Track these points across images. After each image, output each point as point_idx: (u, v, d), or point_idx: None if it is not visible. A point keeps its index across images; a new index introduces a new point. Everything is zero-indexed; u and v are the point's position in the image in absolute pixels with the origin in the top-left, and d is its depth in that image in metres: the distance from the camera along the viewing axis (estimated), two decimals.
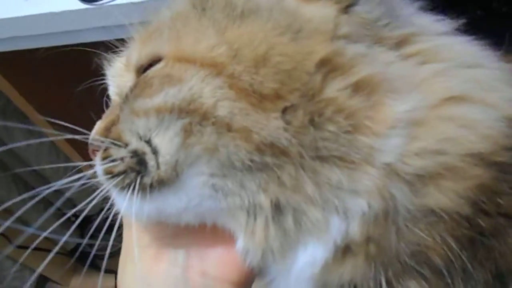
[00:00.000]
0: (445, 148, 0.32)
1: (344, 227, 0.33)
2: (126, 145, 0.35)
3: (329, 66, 0.33)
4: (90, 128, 0.42)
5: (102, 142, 0.37)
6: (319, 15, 0.35)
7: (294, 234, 0.34)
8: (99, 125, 0.40)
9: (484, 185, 0.32)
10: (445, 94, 0.34)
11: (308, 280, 0.36)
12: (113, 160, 0.36)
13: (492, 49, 0.38)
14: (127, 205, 0.35)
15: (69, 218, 1.47)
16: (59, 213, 1.41)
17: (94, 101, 0.47)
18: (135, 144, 0.35)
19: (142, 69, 0.37)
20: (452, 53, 0.36)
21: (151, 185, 0.34)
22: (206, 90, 0.32)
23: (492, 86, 0.35)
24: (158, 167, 0.33)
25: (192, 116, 0.32)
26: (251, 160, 0.32)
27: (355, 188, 0.32)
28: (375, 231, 0.33)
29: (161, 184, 0.34)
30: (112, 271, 1.44)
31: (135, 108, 0.34)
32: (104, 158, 0.37)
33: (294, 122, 0.32)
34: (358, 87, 0.32)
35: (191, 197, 0.34)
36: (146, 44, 0.38)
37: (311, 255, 0.35)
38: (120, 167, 0.35)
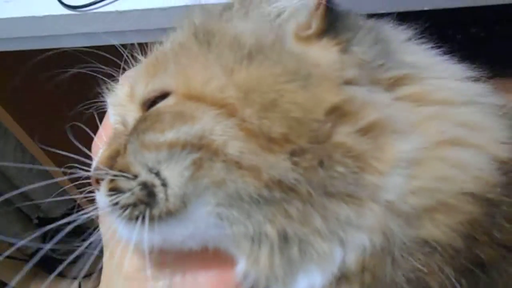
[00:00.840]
0: (439, 187, 0.34)
1: (344, 257, 0.35)
2: (135, 176, 0.36)
3: (338, 113, 0.34)
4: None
5: (108, 172, 0.37)
6: (325, 59, 0.36)
7: (298, 262, 0.35)
8: (103, 154, 0.40)
9: (476, 219, 0.34)
10: (439, 138, 0.36)
11: None
12: (120, 192, 0.36)
13: (480, 73, 0.41)
14: (132, 236, 0.35)
15: (30, 220, 1.42)
16: (21, 215, 1.37)
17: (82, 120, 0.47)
18: (145, 176, 0.35)
19: (149, 103, 0.38)
20: (444, 93, 0.38)
21: (159, 216, 0.35)
22: (217, 129, 0.33)
23: (483, 127, 0.37)
24: (167, 199, 0.34)
25: (203, 151, 0.33)
26: (260, 195, 0.33)
27: (360, 223, 0.34)
28: (371, 262, 0.35)
29: (169, 215, 0.35)
30: (74, 277, 1.39)
31: (146, 142, 0.35)
32: (111, 189, 0.37)
33: (303, 163, 0.33)
34: (366, 131, 0.34)
35: (197, 226, 0.35)
36: (151, 78, 0.38)
37: (310, 282, 0.36)
38: (130, 199, 0.35)
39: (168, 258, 0.38)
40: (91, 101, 0.46)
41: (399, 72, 0.38)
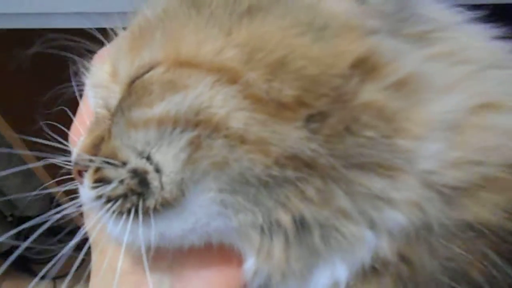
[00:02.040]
0: (484, 158, 0.30)
1: (375, 244, 0.30)
2: (124, 163, 0.31)
3: (365, 66, 0.30)
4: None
5: (92, 161, 0.33)
6: (342, 9, 0.31)
7: (319, 252, 0.31)
8: (84, 142, 0.35)
9: None
10: (481, 100, 0.31)
11: None
12: (108, 183, 0.32)
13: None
14: (124, 233, 0.31)
15: (4, 217, 1.40)
16: None
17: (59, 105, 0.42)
18: (135, 162, 0.31)
19: (133, 81, 0.34)
20: (478, 53, 0.33)
21: (154, 208, 0.31)
22: (217, 99, 0.29)
23: None
24: (162, 187, 0.30)
25: (200, 128, 0.29)
26: (269, 175, 0.29)
27: (395, 198, 0.29)
28: (407, 249, 0.30)
29: (165, 205, 0.30)
30: (46, 277, 1.36)
31: (132, 119, 0.31)
32: (96, 181, 0.32)
33: (323, 130, 0.29)
34: (397, 87, 0.30)
35: (198, 217, 0.31)
36: (137, 53, 0.34)
37: (333, 276, 0.32)
38: (119, 189, 0.31)
39: (166, 258, 0.34)
40: (66, 84, 0.42)
41: (425, 27, 0.33)
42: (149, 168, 0.30)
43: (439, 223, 0.30)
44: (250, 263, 0.33)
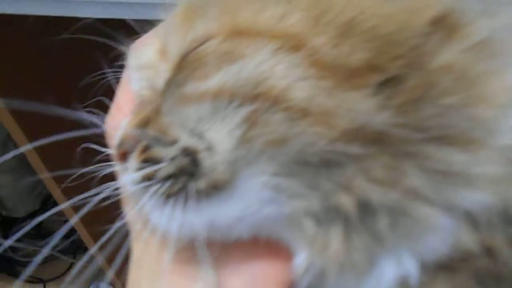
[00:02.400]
0: None
1: (453, 231, 0.28)
2: (174, 142, 0.29)
3: (444, 25, 0.27)
4: None
5: (139, 140, 0.31)
6: None
7: (387, 240, 0.28)
8: (129, 123, 0.33)
9: None
10: None
11: None
12: (157, 163, 0.30)
13: None
14: (170, 219, 0.29)
15: None
16: None
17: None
18: (186, 140, 0.29)
19: (184, 58, 0.32)
20: None
21: (205, 192, 0.29)
22: (278, 69, 0.27)
23: None
24: (214, 167, 0.28)
25: (258, 102, 0.27)
26: (332, 151, 0.27)
27: (476, 174, 0.27)
28: (489, 237, 0.28)
29: (216, 188, 0.29)
30: (33, 280, 1.34)
31: (185, 93, 0.30)
32: (144, 161, 0.30)
33: (397, 98, 0.27)
34: (480, 49, 0.27)
35: (248, 203, 0.29)
36: (190, 27, 0.32)
37: (399, 270, 0.29)
38: (169, 168, 0.29)
39: (212, 249, 0.32)
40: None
41: None
42: (201, 146, 0.28)
43: None
44: (301, 258, 0.30)
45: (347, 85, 0.26)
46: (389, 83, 0.26)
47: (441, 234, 0.28)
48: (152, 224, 0.30)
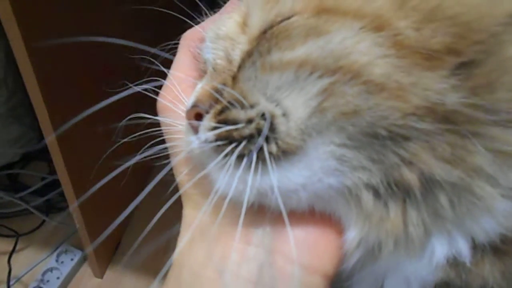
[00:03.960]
0: None
1: (510, 215, 0.29)
2: (252, 106, 0.31)
3: None
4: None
5: (218, 101, 0.32)
6: None
7: (447, 218, 0.30)
8: (204, 88, 0.35)
9: None
10: None
11: (431, 284, 0.32)
12: (234, 124, 0.31)
13: None
14: (239, 180, 0.31)
15: None
16: None
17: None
18: (265, 104, 0.30)
19: (264, 33, 0.34)
20: None
21: (274, 155, 0.30)
22: (361, 46, 0.28)
23: None
24: (288, 133, 0.30)
25: (339, 74, 0.28)
26: (404, 126, 0.28)
27: None
28: None
29: (286, 153, 0.30)
30: (3, 234, 1.32)
31: (271, 61, 0.31)
32: (221, 122, 0.31)
33: (472, 81, 0.28)
34: None
35: (313, 171, 0.30)
36: (274, 3, 0.34)
37: (451, 249, 0.31)
38: (247, 130, 0.30)
39: (268, 216, 0.33)
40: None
41: None
42: (278, 112, 0.30)
43: None
44: (354, 232, 0.32)
45: (425, 65, 0.28)
46: (465, 66, 0.28)
47: (497, 217, 0.29)
48: (215, 186, 0.31)
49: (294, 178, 0.30)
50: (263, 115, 0.30)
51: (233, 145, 0.31)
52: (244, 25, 0.36)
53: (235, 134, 0.31)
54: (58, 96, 0.77)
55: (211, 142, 0.32)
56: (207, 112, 0.33)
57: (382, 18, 0.29)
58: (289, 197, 0.31)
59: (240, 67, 0.33)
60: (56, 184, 1.14)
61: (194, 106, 0.34)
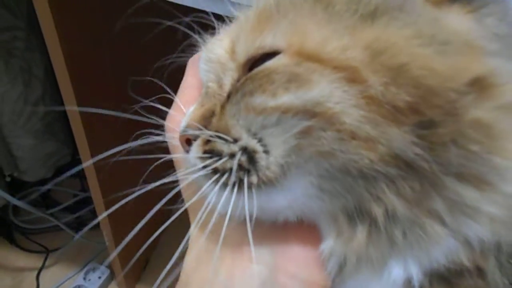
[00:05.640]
0: None
1: (453, 247, 0.33)
2: (235, 140, 0.34)
3: (480, 85, 0.32)
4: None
5: (204, 132, 0.36)
6: (463, 27, 0.34)
7: (399, 246, 0.34)
8: (194, 113, 0.38)
9: None
10: None
11: None
12: (217, 155, 0.35)
13: None
14: (227, 203, 0.34)
15: (3, 176, 1.34)
16: None
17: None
18: (246, 140, 0.34)
19: (252, 61, 0.36)
20: None
21: (257, 185, 0.34)
22: (336, 95, 0.32)
23: None
24: (268, 167, 0.33)
25: (315, 119, 0.32)
26: (372, 169, 0.32)
27: (482, 210, 0.32)
28: (481, 261, 0.33)
29: (267, 183, 0.34)
30: (33, 250, 1.32)
31: (253, 104, 0.34)
32: (206, 152, 0.35)
33: (430, 138, 0.31)
34: (506, 109, 0.32)
35: (296, 196, 0.34)
36: (260, 33, 0.36)
37: (405, 272, 0.34)
38: (228, 163, 0.34)
39: (263, 232, 0.37)
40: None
41: None
42: (259, 148, 0.33)
43: (509, 244, 0.33)
44: (327, 244, 0.35)
45: (390, 119, 0.31)
46: (425, 125, 0.31)
47: (443, 249, 0.33)
48: (209, 205, 0.35)
49: (278, 202, 0.34)
50: (245, 149, 0.34)
51: (217, 175, 0.34)
52: (232, 51, 0.38)
53: (218, 166, 0.34)
54: (95, 114, 0.78)
55: (199, 169, 0.35)
56: (195, 139, 0.37)
57: (356, 70, 0.32)
58: (276, 214, 0.36)
59: (229, 96, 0.36)
60: (87, 201, 1.15)
61: (183, 131, 0.38)
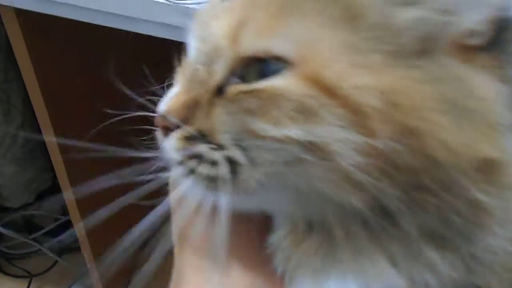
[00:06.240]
0: None
1: (397, 285, 0.32)
2: (221, 148, 0.32)
3: (490, 167, 0.30)
4: None
5: (185, 129, 0.34)
6: (491, 94, 0.30)
7: (343, 264, 0.33)
8: (177, 98, 0.35)
9: None
10: None
11: None
12: (197, 157, 0.33)
13: None
14: (196, 194, 0.34)
15: None
16: None
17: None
18: (233, 151, 0.32)
19: (252, 59, 0.32)
20: None
21: (230, 190, 0.33)
22: (339, 135, 0.30)
23: None
24: (248, 181, 0.32)
25: (312, 153, 0.30)
26: (350, 207, 0.31)
27: (440, 269, 0.31)
28: None
29: (241, 193, 0.33)
30: (16, 275, 1.32)
31: (251, 128, 0.31)
32: (185, 149, 0.33)
33: (418, 200, 0.30)
34: (505, 188, 0.31)
35: (264, 203, 0.35)
36: (268, 33, 0.32)
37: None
38: (206, 169, 0.33)
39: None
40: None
41: None
42: (243, 160, 0.31)
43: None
44: (278, 236, 0.35)
45: (386, 174, 0.29)
46: (418, 189, 0.30)
47: (385, 283, 0.32)
48: (184, 196, 0.34)
49: (246, 205, 0.34)
50: (229, 160, 0.32)
51: (194, 176, 0.33)
52: (234, 39, 0.33)
53: (199, 171, 0.33)
54: (71, 137, 0.81)
55: (175, 161, 0.34)
56: (175, 128, 0.34)
57: (366, 116, 0.29)
58: (243, 210, 0.35)
59: (219, 89, 0.33)
60: (69, 224, 1.16)
61: (164, 117, 0.35)
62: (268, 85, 0.31)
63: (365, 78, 0.29)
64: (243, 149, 0.32)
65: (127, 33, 0.66)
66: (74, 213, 0.87)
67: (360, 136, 0.29)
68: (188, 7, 0.64)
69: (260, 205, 0.35)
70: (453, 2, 0.31)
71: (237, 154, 0.32)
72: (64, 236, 1.26)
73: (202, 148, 0.33)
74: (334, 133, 0.29)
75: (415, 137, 0.29)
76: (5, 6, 0.65)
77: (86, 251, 0.95)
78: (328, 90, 0.30)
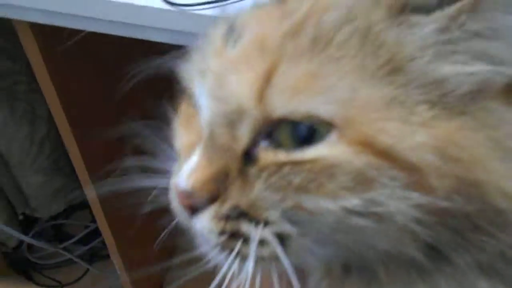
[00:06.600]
0: None
1: None
2: (266, 223, 0.30)
3: None
4: None
5: (223, 209, 0.30)
6: None
7: None
8: (202, 173, 0.30)
9: None
10: None
11: None
12: (241, 237, 0.30)
13: None
14: (230, 265, 0.31)
15: (15, 214, 1.38)
16: (8, 206, 1.34)
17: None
18: (283, 226, 0.29)
19: (282, 120, 0.29)
20: None
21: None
22: (395, 196, 0.28)
23: None
24: (298, 251, 0.30)
25: (368, 218, 0.28)
26: (400, 254, 0.30)
27: None
28: None
29: (291, 259, 0.30)
30: (48, 285, 1.34)
31: (304, 204, 0.29)
32: (225, 231, 0.31)
33: (476, 242, 0.29)
34: None
35: (310, 259, 0.32)
36: (304, 92, 0.28)
37: None
38: (260, 252, 0.30)
39: None
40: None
41: None
42: (293, 232, 0.29)
43: None
44: (313, 280, 0.34)
45: (443, 223, 0.28)
46: (475, 232, 0.29)
47: None
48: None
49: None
50: (279, 236, 0.29)
51: (234, 254, 0.30)
52: (260, 97, 0.29)
53: (244, 251, 0.30)
54: (94, 147, 0.81)
55: (213, 247, 0.31)
56: (203, 207, 0.31)
57: (422, 174, 0.27)
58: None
59: (247, 153, 0.30)
60: (98, 232, 1.17)
61: (188, 194, 0.31)
62: (317, 156, 0.28)
63: (418, 135, 0.27)
64: (293, 222, 0.29)
65: (142, 42, 0.66)
66: (101, 220, 0.88)
67: (419, 194, 0.27)
68: (198, 14, 0.64)
69: (300, 261, 0.32)
70: (508, 52, 0.29)
71: (287, 229, 0.29)
72: (95, 244, 1.29)
73: (246, 227, 0.30)
74: (392, 196, 0.28)
75: (474, 187, 0.27)
76: (18, 20, 0.66)
77: (115, 258, 0.95)
78: (384, 154, 0.28)
